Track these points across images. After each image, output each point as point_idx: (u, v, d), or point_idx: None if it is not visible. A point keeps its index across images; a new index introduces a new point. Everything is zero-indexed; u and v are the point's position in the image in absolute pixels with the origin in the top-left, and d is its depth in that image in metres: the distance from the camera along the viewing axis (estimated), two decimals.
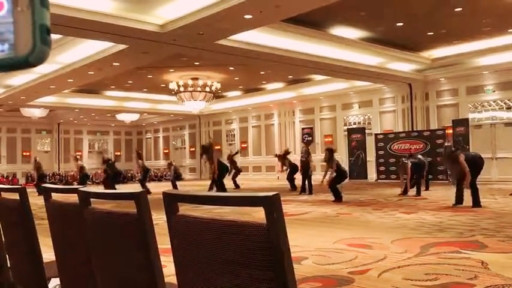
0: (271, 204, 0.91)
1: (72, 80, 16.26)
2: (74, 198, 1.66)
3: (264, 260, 0.93)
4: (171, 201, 1.15)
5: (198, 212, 1.16)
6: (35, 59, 0.48)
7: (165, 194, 1.16)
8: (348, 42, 13.92)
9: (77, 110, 24.52)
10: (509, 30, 13.63)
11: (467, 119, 16.94)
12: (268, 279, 0.93)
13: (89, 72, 15.08)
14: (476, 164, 9.05)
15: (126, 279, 1.45)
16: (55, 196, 2.00)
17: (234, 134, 26.95)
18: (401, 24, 12.79)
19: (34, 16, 0.47)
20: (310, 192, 13.16)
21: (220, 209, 8.37)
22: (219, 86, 19.00)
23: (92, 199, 1.58)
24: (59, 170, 27.90)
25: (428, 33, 13.81)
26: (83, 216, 1.57)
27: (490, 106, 17.00)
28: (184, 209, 1.16)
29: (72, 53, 13.32)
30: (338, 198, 10.93)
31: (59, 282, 2.07)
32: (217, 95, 20.66)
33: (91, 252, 1.59)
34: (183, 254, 1.12)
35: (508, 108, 16.57)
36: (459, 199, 9.25)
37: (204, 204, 1.09)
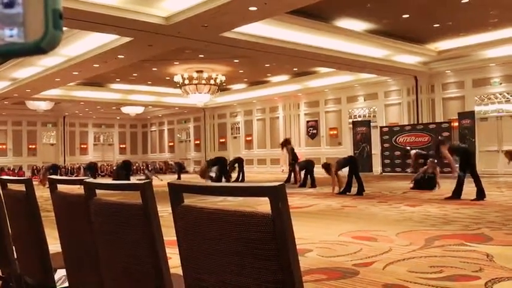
0: (277, 194, 0.91)
1: (77, 73, 16.29)
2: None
3: (270, 250, 0.92)
4: (176, 192, 1.15)
5: (202, 204, 1.16)
6: (47, 44, 0.47)
7: (171, 185, 1.16)
8: (353, 35, 13.83)
9: (82, 103, 24.59)
10: None
11: (473, 112, 16.85)
12: (274, 269, 0.93)
13: (94, 65, 15.10)
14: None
15: (131, 269, 1.45)
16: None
17: (239, 127, 26.96)
18: (407, 16, 12.70)
19: (47, 1, 0.46)
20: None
21: (224, 201, 8.39)
22: (223, 78, 18.98)
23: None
24: (64, 163, 28.01)
25: (435, 25, 13.71)
26: (88, 207, 1.57)
27: (496, 99, 16.90)
28: (189, 202, 1.16)
29: (77, 45, 13.33)
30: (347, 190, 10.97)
31: (65, 273, 2.08)
32: (222, 88, 20.64)
33: (97, 243, 1.60)
34: (188, 244, 1.12)
35: None
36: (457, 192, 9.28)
37: (210, 194, 1.08)
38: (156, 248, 1.28)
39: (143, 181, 1.31)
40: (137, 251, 1.36)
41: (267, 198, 0.94)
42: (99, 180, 1.56)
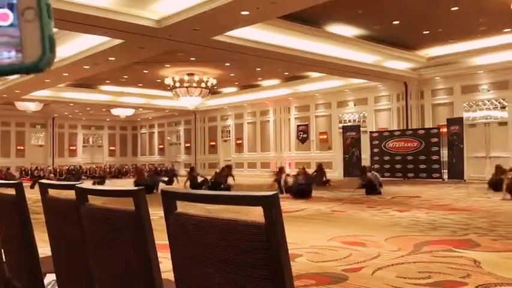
0: (270, 203, 0.92)
1: (67, 74, 16.19)
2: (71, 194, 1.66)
3: (262, 259, 0.93)
4: (169, 199, 1.15)
5: (191, 209, 1.16)
6: (44, 65, 0.53)
7: (164, 192, 1.16)
8: (344, 40, 13.93)
9: (71, 105, 24.43)
10: (505, 30, 13.68)
11: (461, 118, 17.01)
12: (266, 278, 0.94)
13: (84, 67, 15.02)
14: None
15: (123, 275, 1.45)
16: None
17: (229, 130, 26.95)
18: (397, 22, 12.81)
19: (43, 28, 0.52)
20: None
21: (213, 206, 8.38)
22: (214, 82, 18.97)
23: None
24: (53, 165, 27.77)
25: (424, 32, 13.85)
26: (79, 213, 1.57)
27: (484, 105, 17.08)
28: (181, 210, 1.16)
29: (68, 47, 13.25)
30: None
31: (55, 278, 2.07)
32: (213, 91, 20.65)
33: (88, 248, 1.60)
34: (181, 252, 1.13)
35: (502, 107, 16.65)
36: None
37: (203, 202, 1.09)
38: (149, 255, 1.29)
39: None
40: (129, 257, 1.37)
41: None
42: (91, 186, 1.56)
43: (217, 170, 16.02)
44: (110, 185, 18.69)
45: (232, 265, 0.98)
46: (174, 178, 17.80)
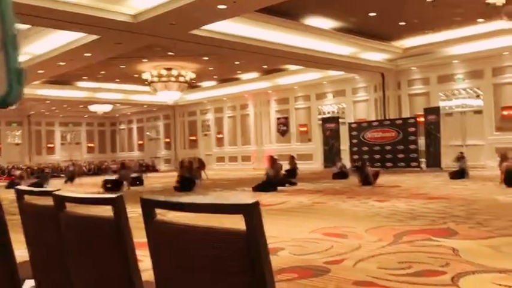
0: (251, 211, 0.92)
1: (42, 71, 15.89)
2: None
3: (243, 266, 0.94)
4: (148, 207, 1.14)
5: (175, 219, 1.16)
6: (12, 99, 0.51)
7: (143, 200, 1.15)
8: (322, 33, 13.98)
9: (48, 102, 24.01)
10: (479, 20, 13.91)
11: (438, 107, 17.29)
12: (247, 285, 0.94)
13: (60, 63, 14.77)
14: None
15: (103, 281, 1.44)
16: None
17: (209, 125, 26.87)
18: (374, 14, 12.91)
19: (9, 62, 0.49)
20: None
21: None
22: (193, 76, 18.87)
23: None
24: (30, 163, 27.29)
25: (401, 23, 13.99)
26: (58, 219, 1.55)
27: (460, 94, 17.38)
28: (161, 217, 1.15)
29: (42, 43, 13.01)
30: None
31: (34, 284, 2.04)
32: (191, 85, 20.54)
33: (67, 254, 1.58)
34: (162, 259, 1.12)
35: (477, 96, 16.97)
36: None
37: (183, 211, 1.09)
38: (128, 261, 1.28)
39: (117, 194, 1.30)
40: (109, 264, 1.35)
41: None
42: (69, 193, 1.54)
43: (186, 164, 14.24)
44: (81, 184, 18.32)
45: (214, 272, 0.98)
46: (143, 175, 16.44)
